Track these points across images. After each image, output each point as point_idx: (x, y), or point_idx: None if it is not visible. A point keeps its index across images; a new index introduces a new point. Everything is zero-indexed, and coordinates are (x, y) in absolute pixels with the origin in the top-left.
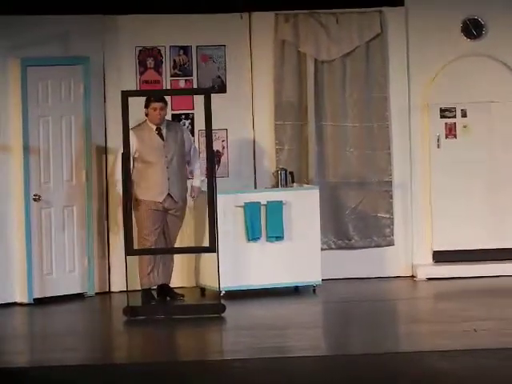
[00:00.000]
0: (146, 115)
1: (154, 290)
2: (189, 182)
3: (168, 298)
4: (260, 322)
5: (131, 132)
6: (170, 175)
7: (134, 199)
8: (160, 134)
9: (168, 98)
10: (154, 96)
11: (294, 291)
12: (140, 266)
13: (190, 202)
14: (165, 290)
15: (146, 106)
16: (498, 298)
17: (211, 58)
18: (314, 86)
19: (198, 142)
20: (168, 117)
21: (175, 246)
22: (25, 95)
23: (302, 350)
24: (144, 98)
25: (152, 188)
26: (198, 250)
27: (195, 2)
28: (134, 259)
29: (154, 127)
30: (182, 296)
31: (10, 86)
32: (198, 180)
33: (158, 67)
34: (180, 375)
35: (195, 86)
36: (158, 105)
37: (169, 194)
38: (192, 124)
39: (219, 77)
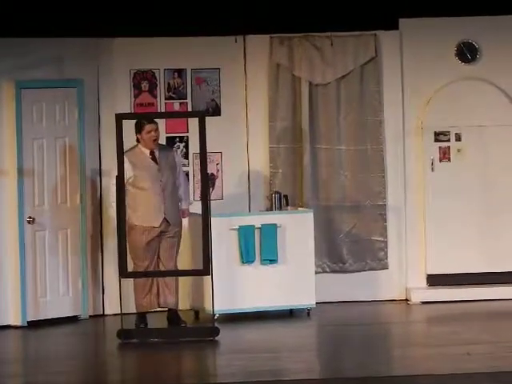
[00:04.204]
0: (138, 141)
1: (155, 312)
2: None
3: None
4: (254, 345)
5: (124, 156)
6: (166, 199)
7: (129, 224)
8: (154, 158)
9: (162, 121)
10: (146, 119)
11: (288, 314)
12: (135, 289)
13: (184, 222)
14: (171, 316)
15: (139, 131)
16: (492, 321)
17: (206, 80)
18: (308, 110)
19: (193, 165)
20: (162, 140)
21: (175, 265)
22: (19, 117)
23: (296, 374)
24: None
25: (148, 213)
26: (191, 272)
27: (190, 25)
28: (127, 282)
29: (148, 151)
30: (185, 323)
31: (5, 109)
32: (184, 202)
33: (152, 90)
34: None
35: (190, 108)
36: (152, 126)
37: (165, 218)
38: (186, 147)
39: (214, 100)
